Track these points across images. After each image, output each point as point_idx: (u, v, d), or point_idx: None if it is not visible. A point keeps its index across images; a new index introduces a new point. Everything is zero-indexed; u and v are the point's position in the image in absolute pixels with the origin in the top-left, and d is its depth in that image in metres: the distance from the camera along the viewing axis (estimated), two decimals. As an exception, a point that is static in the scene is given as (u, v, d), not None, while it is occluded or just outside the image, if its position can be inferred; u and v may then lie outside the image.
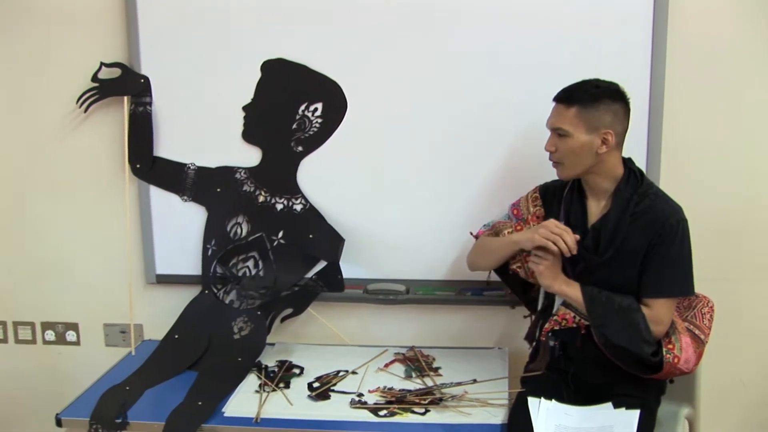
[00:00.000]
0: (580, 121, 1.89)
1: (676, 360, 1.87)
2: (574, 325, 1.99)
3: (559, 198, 2.07)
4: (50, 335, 2.75)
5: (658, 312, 1.91)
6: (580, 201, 2.02)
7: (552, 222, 1.93)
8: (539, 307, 2.14)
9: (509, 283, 2.23)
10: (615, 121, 1.91)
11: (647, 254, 1.91)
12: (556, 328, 2.02)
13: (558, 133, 1.92)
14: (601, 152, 1.91)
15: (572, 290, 1.94)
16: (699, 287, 2.04)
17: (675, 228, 1.89)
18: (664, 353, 1.88)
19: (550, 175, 2.09)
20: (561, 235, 1.89)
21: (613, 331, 1.88)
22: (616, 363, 1.91)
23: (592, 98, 1.89)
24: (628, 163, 1.98)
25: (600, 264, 1.94)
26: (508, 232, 2.11)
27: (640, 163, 2.23)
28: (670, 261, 1.90)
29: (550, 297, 2.08)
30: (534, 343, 2.15)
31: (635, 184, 1.95)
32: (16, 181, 2.65)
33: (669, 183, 2.22)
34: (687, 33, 2.27)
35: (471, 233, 2.27)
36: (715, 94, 2.31)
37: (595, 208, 2.00)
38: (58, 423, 2.06)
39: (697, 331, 1.97)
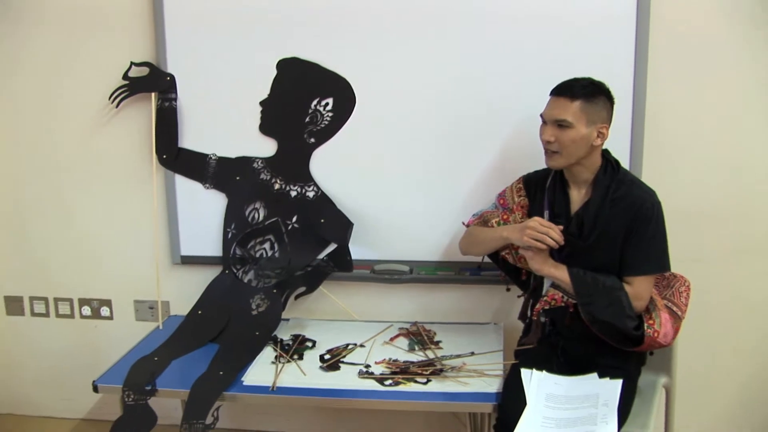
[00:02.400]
0: (582, 114, 1.88)
1: (656, 334, 1.89)
2: (563, 304, 2.00)
3: (542, 188, 2.07)
4: (86, 310, 2.77)
5: (639, 288, 1.92)
6: (563, 190, 2.01)
7: (537, 221, 1.92)
8: (530, 288, 2.15)
9: (501, 266, 2.23)
10: (608, 116, 1.92)
11: (627, 236, 1.91)
12: (546, 307, 2.02)
13: (559, 124, 1.89)
14: (596, 144, 1.91)
15: (560, 273, 1.94)
16: (677, 268, 2.07)
17: (651, 210, 1.90)
18: (645, 328, 1.89)
19: (537, 165, 2.10)
20: (547, 233, 1.88)
21: (599, 308, 1.90)
22: (602, 337, 1.92)
23: (593, 94, 1.89)
24: (604, 153, 1.99)
25: (584, 248, 1.95)
26: (496, 222, 2.11)
27: (624, 154, 2.25)
28: (648, 241, 1.91)
29: (539, 279, 2.09)
30: (527, 321, 2.16)
31: (612, 173, 1.95)
32: (54, 171, 2.66)
33: (651, 173, 2.24)
34: (668, 33, 2.25)
35: (463, 223, 2.27)
36: (694, 91, 2.30)
37: (577, 197, 2.00)
38: (95, 389, 2.10)
39: (674, 308, 1.98)
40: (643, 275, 1.93)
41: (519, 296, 2.28)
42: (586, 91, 1.88)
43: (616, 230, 1.92)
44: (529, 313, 2.14)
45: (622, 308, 1.88)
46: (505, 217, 2.11)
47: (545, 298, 2.02)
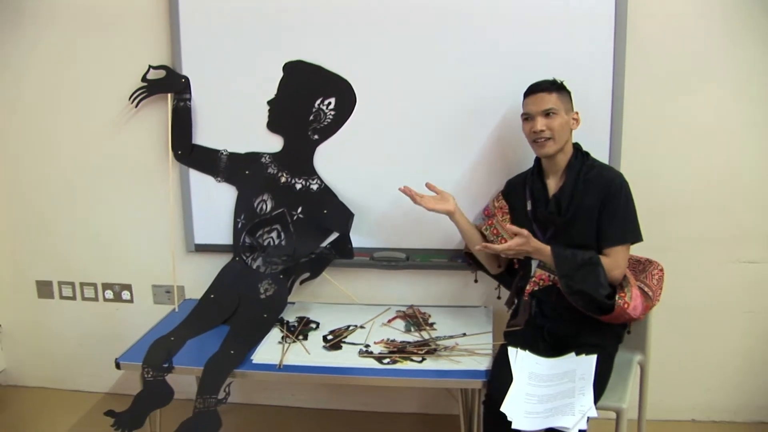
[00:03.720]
0: (560, 103, 2.03)
1: (626, 305, 1.93)
2: (550, 283, 2.05)
3: (522, 184, 2.15)
4: (109, 294, 2.80)
5: (617, 258, 1.98)
6: (541, 180, 2.11)
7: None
8: (516, 279, 2.20)
9: (503, 282, 2.34)
10: (572, 106, 2.06)
11: (601, 211, 1.99)
12: (536, 288, 2.07)
13: (547, 113, 2.00)
14: (574, 129, 2.04)
15: (544, 251, 1.99)
16: (652, 256, 2.11)
17: (619, 186, 1.99)
18: (617, 299, 1.93)
19: (526, 160, 2.15)
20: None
21: (576, 279, 1.94)
22: (578, 308, 1.95)
23: (560, 88, 2.05)
24: (576, 145, 2.08)
25: (565, 224, 2.02)
26: (483, 229, 2.20)
27: (604, 151, 2.28)
28: (621, 214, 1.98)
29: (526, 268, 2.13)
30: (513, 306, 2.21)
31: (583, 159, 2.06)
32: (78, 167, 2.69)
33: (628, 170, 2.23)
34: (644, 39, 2.27)
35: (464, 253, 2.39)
36: (667, 93, 2.31)
37: (553, 184, 2.08)
38: (117, 366, 2.13)
39: (646, 289, 2.03)
40: (620, 245, 1.99)
41: (497, 289, 2.37)
42: (556, 86, 2.04)
43: (591, 207, 2.00)
44: (516, 299, 2.18)
45: (597, 278, 1.93)
46: (490, 222, 2.20)
47: (533, 279, 2.07)
